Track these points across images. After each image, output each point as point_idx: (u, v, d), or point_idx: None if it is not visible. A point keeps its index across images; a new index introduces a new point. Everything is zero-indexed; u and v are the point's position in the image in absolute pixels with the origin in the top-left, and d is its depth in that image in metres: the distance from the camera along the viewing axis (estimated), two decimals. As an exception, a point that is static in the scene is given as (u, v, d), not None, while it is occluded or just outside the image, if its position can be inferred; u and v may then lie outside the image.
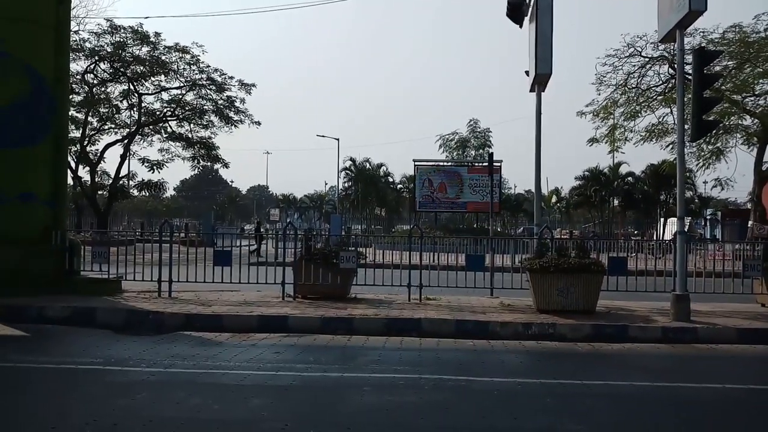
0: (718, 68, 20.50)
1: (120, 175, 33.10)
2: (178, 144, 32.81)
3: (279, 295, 10.62)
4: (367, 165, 65.07)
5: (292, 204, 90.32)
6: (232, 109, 31.85)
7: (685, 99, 9.79)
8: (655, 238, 41.30)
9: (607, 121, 26.68)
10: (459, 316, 9.05)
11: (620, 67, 24.56)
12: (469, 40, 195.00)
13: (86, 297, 10.02)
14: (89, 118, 30.04)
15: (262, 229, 28.24)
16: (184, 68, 30.36)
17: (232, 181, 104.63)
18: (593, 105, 26.17)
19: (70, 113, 21.19)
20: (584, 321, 8.73)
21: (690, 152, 25.32)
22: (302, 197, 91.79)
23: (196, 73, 30.60)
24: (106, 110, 30.68)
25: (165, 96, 31.70)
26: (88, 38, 28.42)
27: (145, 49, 29.38)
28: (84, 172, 31.99)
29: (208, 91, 31.25)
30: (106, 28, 28.45)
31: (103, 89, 30.73)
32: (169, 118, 32.25)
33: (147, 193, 39.73)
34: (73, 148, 28.74)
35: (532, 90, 12.15)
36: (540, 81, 11.65)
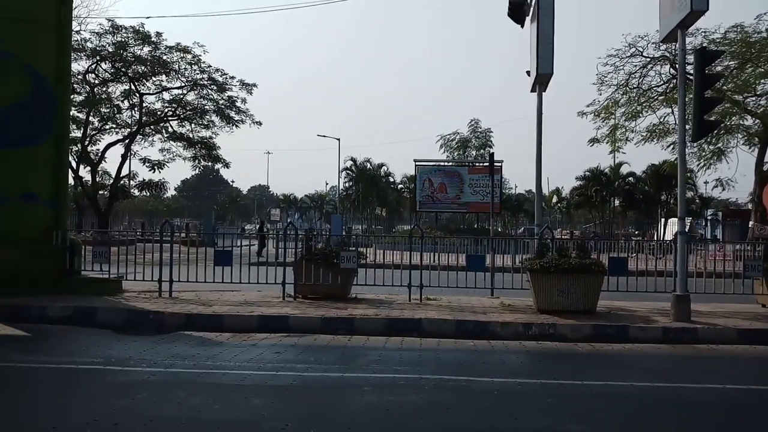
0: (719, 68, 20.48)
1: (121, 175, 33.12)
2: (179, 144, 32.83)
3: (279, 295, 10.62)
4: (368, 165, 65.09)
5: (292, 204, 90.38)
6: (233, 109, 31.88)
7: (687, 99, 9.79)
8: (655, 238, 41.30)
9: (608, 121, 26.66)
10: (459, 316, 9.05)
11: (621, 67, 24.54)
12: (470, 40, 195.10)
13: (87, 297, 10.03)
14: (90, 118, 30.05)
15: (265, 230, 28.23)
16: (185, 68, 30.39)
17: (233, 181, 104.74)
18: (594, 105, 26.16)
19: (71, 113, 21.22)
20: (585, 321, 8.73)
21: (691, 152, 25.29)
22: (303, 197, 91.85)
23: (198, 73, 30.63)
24: (108, 110, 30.70)
25: (166, 96, 31.74)
26: (90, 38, 28.47)
27: (146, 49, 29.40)
28: (85, 172, 32.04)
29: (210, 91, 31.27)
30: (107, 28, 28.49)
31: (104, 89, 30.76)
32: (170, 118, 32.28)
33: (148, 193, 39.74)
34: (75, 148, 28.76)
35: (533, 90, 12.14)
36: (541, 81, 11.64)
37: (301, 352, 7.34)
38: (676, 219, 10.30)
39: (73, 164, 29.42)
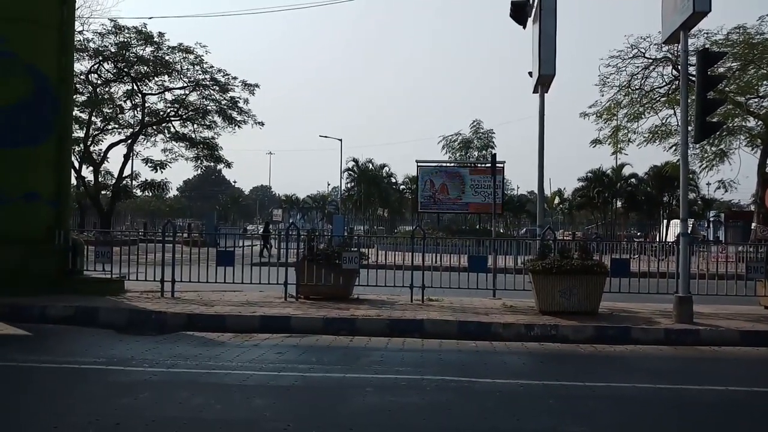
0: (722, 70, 20.46)
1: (123, 175, 33.15)
2: (181, 144, 32.85)
3: (281, 296, 10.62)
4: (370, 166, 65.10)
5: (294, 204, 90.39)
6: (236, 110, 31.89)
7: (689, 100, 9.78)
8: (657, 239, 41.25)
9: (610, 123, 26.62)
10: (461, 317, 9.04)
11: (624, 69, 24.51)
12: (472, 41, 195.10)
13: (89, 296, 10.04)
14: (93, 118, 30.07)
15: (270, 229, 28.25)
16: (187, 68, 30.41)
17: (235, 182, 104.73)
18: (596, 106, 26.12)
19: (73, 113, 21.23)
20: (587, 322, 8.72)
21: (693, 154, 25.23)
22: (305, 198, 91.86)
23: (200, 74, 30.65)
24: (110, 110, 30.73)
25: (168, 96, 31.76)
26: (92, 38, 28.50)
27: (148, 49, 29.43)
28: (87, 172, 32.07)
29: (212, 91, 31.28)
30: (110, 28, 28.51)
31: (106, 89, 30.79)
32: (172, 119, 32.30)
33: (150, 193, 39.79)
34: (77, 148, 28.78)
35: (535, 91, 12.12)
36: (543, 82, 11.63)
37: (303, 352, 7.34)
38: (678, 220, 10.29)
39: (76, 164, 29.44)
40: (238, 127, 32.34)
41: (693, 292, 9.47)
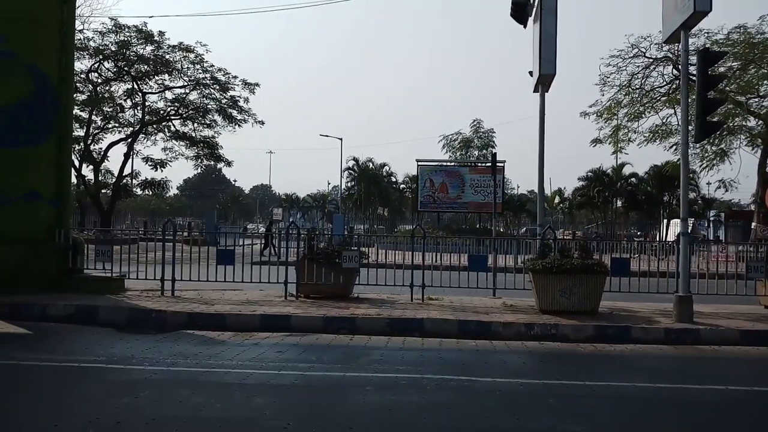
0: (722, 69, 20.44)
1: (123, 174, 33.23)
2: (181, 143, 32.90)
3: (281, 295, 10.63)
4: (370, 165, 65.11)
5: (295, 203, 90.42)
6: (236, 109, 31.92)
7: (690, 100, 9.77)
8: (658, 239, 41.25)
9: (611, 122, 26.62)
10: (461, 316, 9.05)
11: (624, 68, 24.51)
12: (472, 40, 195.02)
13: (89, 295, 10.04)
14: (93, 117, 30.11)
15: (273, 229, 28.26)
16: (188, 67, 30.46)
17: (235, 181, 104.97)
18: (597, 106, 26.12)
19: (74, 112, 21.25)
20: (587, 322, 8.72)
21: (694, 153, 25.24)
22: (305, 197, 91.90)
23: (200, 73, 30.70)
24: (110, 109, 30.76)
25: (169, 95, 31.82)
26: (93, 37, 28.55)
27: (149, 48, 29.46)
28: (88, 171, 32.13)
29: (212, 90, 31.32)
30: (110, 27, 28.56)
31: (107, 88, 30.84)
32: (172, 117, 32.34)
33: (150, 192, 39.86)
34: (77, 147, 28.83)
35: (535, 90, 12.12)
36: (544, 81, 11.63)
37: (303, 351, 7.35)
38: (678, 220, 10.30)
39: (76, 163, 29.49)
40: (239, 126, 32.41)
41: (693, 292, 9.47)
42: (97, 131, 31.33)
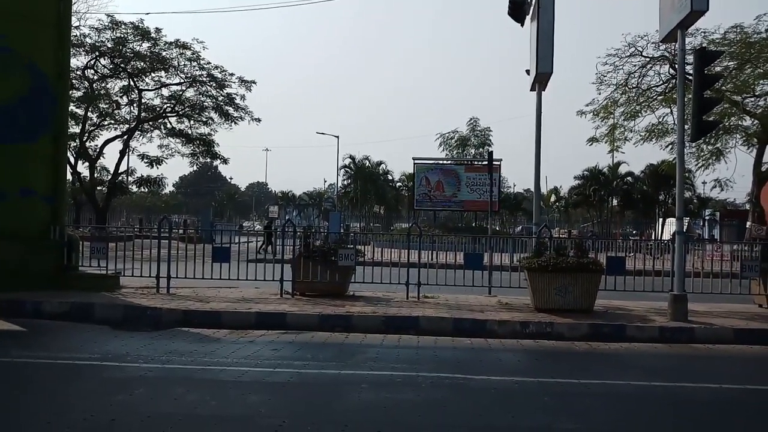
0: (718, 69, 20.48)
1: (119, 171, 33.11)
2: (177, 140, 32.82)
3: (277, 292, 10.62)
4: (367, 163, 65.11)
5: (291, 201, 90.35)
6: (232, 106, 31.86)
7: (686, 99, 9.79)
8: (653, 238, 41.36)
9: (607, 121, 26.66)
10: (457, 314, 9.06)
11: (621, 67, 24.56)
12: (470, 38, 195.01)
13: (84, 292, 10.02)
14: (89, 114, 30.03)
15: (273, 227, 28.24)
16: (184, 64, 30.38)
17: (231, 178, 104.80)
18: (593, 104, 26.17)
19: (69, 109, 21.18)
20: (582, 320, 8.74)
21: (689, 152, 25.30)
22: (301, 194, 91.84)
23: (197, 70, 30.62)
24: (106, 106, 30.67)
25: (165, 92, 31.73)
26: (89, 33, 28.44)
27: (145, 45, 29.37)
28: (83, 168, 32.05)
29: (209, 87, 31.25)
30: (106, 24, 28.45)
31: (103, 85, 30.72)
32: (168, 115, 32.26)
33: (146, 189, 39.78)
34: (73, 144, 28.74)
35: (532, 89, 12.13)
36: (540, 80, 11.64)
37: (299, 349, 7.35)
38: (673, 219, 10.32)
39: (71, 160, 29.41)
40: (235, 123, 32.36)
41: (688, 291, 9.51)
42: (92, 128, 31.25)
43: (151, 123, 32.24)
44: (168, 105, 31.98)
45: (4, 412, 4.75)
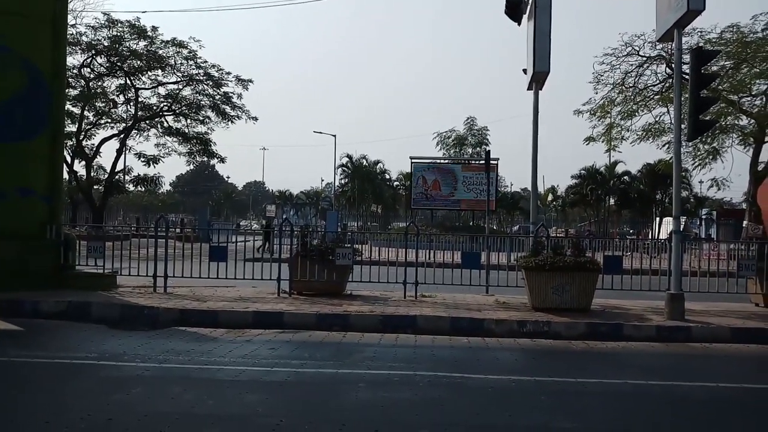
0: (715, 68, 20.51)
1: (116, 170, 33.06)
2: (174, 139, 32.77)
3: (274, 292, 10.62)
4: (364, 162, 65.10)
5: (288, 200, 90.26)
6: (229, 105, 31.82)
7: (682, 98, 9.82)
8: (650, 237, 41.43)
9: (604, 120, 26.63)
10: (454, 313, 9.06)
11: (618, 66, 24.53)
12: (467, 38, 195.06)
13: (81, 291, 10.00)
14: (85, 113, 29.97)
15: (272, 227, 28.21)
16: (181, 63, 30.34)
17: (228, 177, 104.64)
18: (590, 104, 26.13)
19: (66, 107, 21.14)
20: (579, 319, 8.75)
21: (686, 152, 25.29)
22: (298, 193, 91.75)
23: (194, 68, 30.58)
24: (103, 104, 30.61)
25: (162, 91, 31.71)
26: (85, 32, 28.41)
27: (142, 43, 29.33)
28: (80, 167, 31.99)
29: (205, 86, 31.21)
30: (103, 22, 28.42)
31: (99, 83, 30.66)
32: (165, 113, 32.20)
33: (142, 188, 39.71)
34: (69, 143, 28.67)
35: (529, 88, 12.14)
36: (537, 79, 11.65)
37: (296, 348, 7.34)
38: (670, 218, 10.34)
39: (68, 159, 29.33)
40: (232, 122, 32.33)
41: (685, 290, 9.53)
42: (89, 127, 31.19)
43: (147, 122, 32.20)
44: (165, 104, 31.94)
45: (2, 412, 4.74)
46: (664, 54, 23.45)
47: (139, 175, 35.52)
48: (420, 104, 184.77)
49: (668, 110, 24.18)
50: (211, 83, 31.03)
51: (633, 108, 25.37)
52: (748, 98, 23.88)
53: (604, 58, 24.40)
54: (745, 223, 26.80)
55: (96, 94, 29.94)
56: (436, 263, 11.77)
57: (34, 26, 10.67)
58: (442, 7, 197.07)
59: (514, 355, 7.50)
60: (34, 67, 10.65)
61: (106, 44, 28.80)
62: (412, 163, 39.25)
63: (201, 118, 32.16)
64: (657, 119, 25.69)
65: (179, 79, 31.02)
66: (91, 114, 30.73)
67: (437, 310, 9.28)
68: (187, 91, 31.61)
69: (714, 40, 22.41)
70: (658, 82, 24.84)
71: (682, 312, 9.12)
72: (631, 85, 25.00)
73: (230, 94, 31.56)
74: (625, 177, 57.79)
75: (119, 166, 34.05)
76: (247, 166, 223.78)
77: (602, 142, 27.80)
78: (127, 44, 29.13)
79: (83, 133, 30.59)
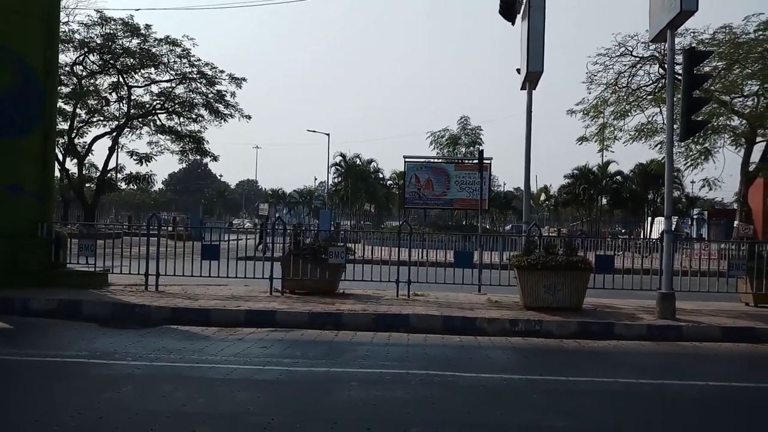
0: (707, 69, 20.59)
1: (108, 168, 32.90)
2: (167, 137, 32.64)
3: (267, 290, 10.60)
4: (358, 161, 64.93)
5: (281, 199, 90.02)
6: (222, 103, 31.72)
7: (675, 99, 9.85)
8: (642, 236, 41.60)
9: (597, 120, 26.72)
10: (447, 312, 9.07)
11: (611, 67, 24.61)
12: (461, 37, 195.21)
13: (72, 290, 9.95)
14: (78, 110, 29.81)
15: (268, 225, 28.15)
16: (174, 61, 30.20)
17: (221, 175, 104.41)
18: (583, 104, 26.21)
19: (58, 105, 21.02)
20: (571, 318, 8.78)
21: (678, 152, 25.41)
22: (292, 192, 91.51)
23: (187, 67, 30.45)
24: (95, 102, 30.45)
25: (155, 89, 31.54)
26: (78, 29, 28.23)
27: (135, 41, 29.17)
28: (72, 165, 31.82)
29: (199, 84, 31.09)
30: (96, 20, 28.26)
31: (92, 81, 30.51)
32: (158, 111, 32.07)
33: (135, 186, 39.55)
34: (61, 140, 28.52)
35: (523, 88, 12.16)
36: (531, 79, 11.67)
37: (288, 346, 7.33)
38: (662, 218, 10.37)
39: (60, 157, 29.19)
40: (225, 120, 32.21)
41: (676, 289, 9.57)
42: (81, 125, 31.04)
43: (140, 120, 32.05)
44: (158, 102, 31.81)
45: (-10, 410, 4.71)
46: (657, 54, 23.54)
47: (131, 173, 35.35)
48: (414, 103, 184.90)
49: (661, 110, 24.28)
50: (204, 81, 30.92)
51: (626, 108, 25.46)
52: (740, 99, 24.00)
53: (597, 58, 24.48)
54: (736, 223, 26.97)
55: (88, 92, 29.78)
56: (429, 262, 11.77)
57: (26, 23, 10.60)
58: (435, 7, 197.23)
59: (506, 353, 7.51)
60: (26, 64, 10.58)
61: (98, 42, 28.64)
62: (405, 162, 39.27)
63: (194, 117, 32.05)
64: (650, 119, 25.79)
65: (172, 78, 30.91)
66: (84, 112, 30.58)
67: (430, 309, 9.28)
68: (180, 90, 31.51)
69: (707, 40, 22.52)
70: (651, 82, 24.93)
71: (673, 311, 9.17)
72: (624, 85, 25.09)
73: (223, 93, 31.47)
74: (618, 177, 57.90)
75: (111, 164, 33.90)
76: (240, 165, 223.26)
77: (595, 142, 27.88)
78: (120, 42, 28.97)
79: (75, 131, 30.44)
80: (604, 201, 59.14)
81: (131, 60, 29.51)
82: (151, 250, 10.71)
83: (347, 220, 68.91)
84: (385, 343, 7.71)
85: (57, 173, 26.63)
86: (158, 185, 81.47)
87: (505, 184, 79.52)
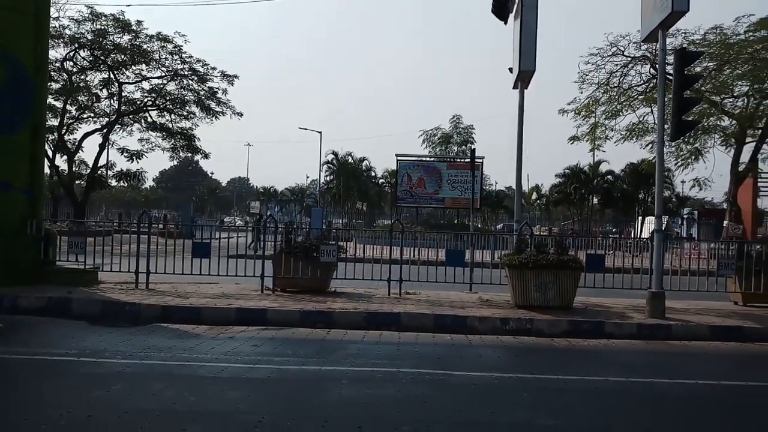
0: (698, 69, 20.67)
1: (98, 165, 32.65)
2: (158, 134, 32.44)
3: (258, 288, 10.57)
4: (350, 159, 64.90)
5: (272, 197, 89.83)
6: (214, 100, 31.56)
7: (666, 99, 9.89)
8: (632, 236, 41.80)
9: (589, 120, 26.76)
10: (438, 310, 9.08)
11: (603, 66, 24.64)
12: (454, 36, 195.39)
13: (62, 287, 9.87)
14: (68, 107, 29.58)
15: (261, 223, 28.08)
16: (165, 58, 29.98)
17: (212, 173, 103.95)
18: (575, 103, 26.22)
19: (48, 101, 20.86)
20: (561, 317, 8.81)
21: (669, 152, 25.50)
22: (283, 190, 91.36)
23: (178, 63, 30.25)
24: (85, 99, 30.22)
25: (146, 85, 31.32)
26: (68, 25, 27.97)
27: (126, 37, 28.95)
28: (61, 161, 31.53)
29: (190, 81, 30.92)
30: (86, 15, 28.01)
31: (82, 77, 30.27)
32: (149, 108, 31.88)
33: (125, 184, 39.27)
34: (51, 137, 28.27)
35: (515, 87, 12.18)
36: (523, 78, 11.69)
37: (279, 345, 7.32)
38: (652, 217, 10.43)
39: (50, 153, 28.95)
40: (216, 117, 32.03)
41: (666, 288, 9.62)
42: (71, 121, 30.77)
43: (131, 116, 31.81)
44: (149, 98, 31.59)
45: (-22, 408, 4.68)
46: (649, 54, 23.61)
47: (121, 170, 35.08)
48: (406, 102, 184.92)
49: (652, 110, 24.35)
50: (195, 78, 30.73)
51: (617, 108, 25.52)
52: (731, 99, 24.12)
53: (589, 57, 24.51)
54: (725, 222, 27.11)
55: (79, 88, 29.53)
56: (421, 261, 11.77)
57: (16, 19, 10.51)
58: (428, 5, 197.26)
59: (497, 352, 7.53)
60: (15, 60, 10.49)
61: (89, 38, 28.40)
62: (397, 160, 39.29)
63: (185, 114, 31.86)
64: (641, 119, 25.84)
65: (164, 74, 30.71)
66: (74, 108, 30.31)
67: (421, 308, 9.29)
68: (171, 86, 31.28)
69: (698, 41, 22.60)
70: (642, 82, 25.00)
71: (663, 310, 9.22)
72: (615, 85, 25.14)
73: (215, 90, 31.28)
74: (609, 176, 58.19)
75: (102, 161, 33.65)
76: (232, 162, 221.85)
77: (586, 141, 27.93)
78: (111, 38, 28.74)
79: (65, 128, 30.18)
80: (595, 200, 59.41)
81: (122, 56, 29.29)
82: (141, 247, 10.66)
83: (339, 218, 68.87)
84: (376, 342, 7.71)
85: (46, 170, 26.39)
86: (149, 183, 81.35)
87: (496, 183, 79.71)
